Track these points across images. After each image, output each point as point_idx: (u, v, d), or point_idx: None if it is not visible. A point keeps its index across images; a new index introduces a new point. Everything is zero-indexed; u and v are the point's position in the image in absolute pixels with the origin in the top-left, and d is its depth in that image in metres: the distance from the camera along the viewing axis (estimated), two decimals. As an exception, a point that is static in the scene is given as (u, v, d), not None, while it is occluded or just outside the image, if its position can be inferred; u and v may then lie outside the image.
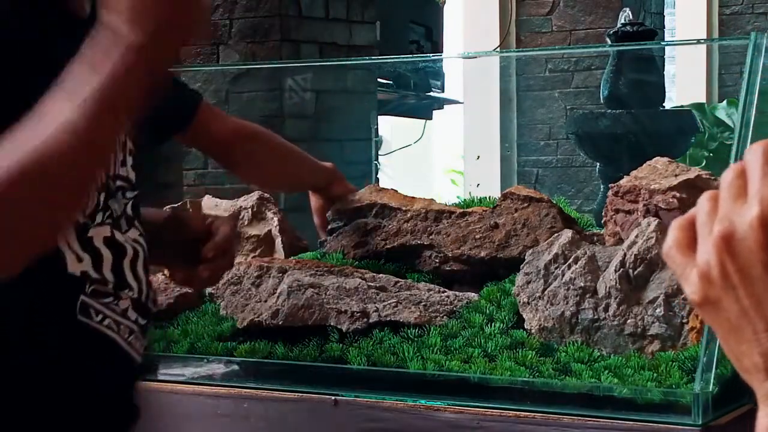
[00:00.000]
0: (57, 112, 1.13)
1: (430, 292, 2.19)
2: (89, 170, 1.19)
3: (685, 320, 1.94)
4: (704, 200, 0.81)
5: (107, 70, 1.14)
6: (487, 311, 2.10)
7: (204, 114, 2.19)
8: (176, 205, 2.63)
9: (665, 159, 2.30)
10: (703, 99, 8.74)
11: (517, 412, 1.88)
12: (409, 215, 2.39)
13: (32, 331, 1.36)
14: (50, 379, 1.38)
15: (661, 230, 2.03)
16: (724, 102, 6.63)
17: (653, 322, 1.96)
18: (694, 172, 2.23)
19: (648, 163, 2.30)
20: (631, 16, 3.34)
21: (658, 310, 1.96)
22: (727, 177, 0.80)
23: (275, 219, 2.54)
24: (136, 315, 1.45)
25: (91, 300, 1.39)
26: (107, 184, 1.44)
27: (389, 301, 2.15)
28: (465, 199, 2.58)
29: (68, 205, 1.19)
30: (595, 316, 2.00)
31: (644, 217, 2.15)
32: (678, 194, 2.18)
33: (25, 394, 1.36)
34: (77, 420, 1.41)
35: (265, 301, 2.22)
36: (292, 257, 2.44)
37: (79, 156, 1.14)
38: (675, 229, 0.83)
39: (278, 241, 2.52)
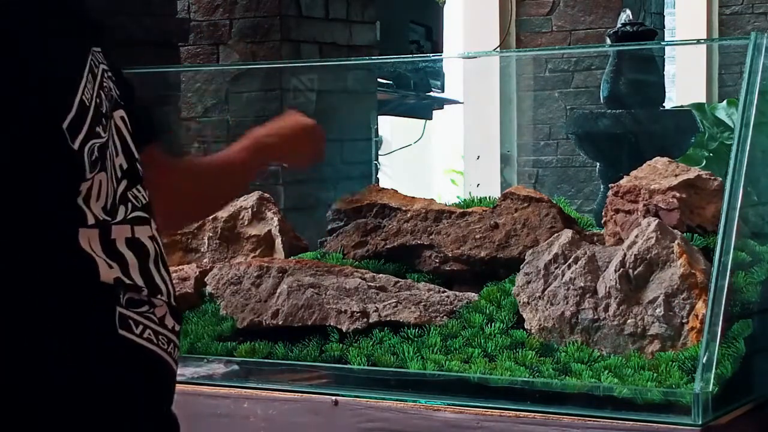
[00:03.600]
0: None
1: (430, 292, 2.19)
2: None
3: (685, 320, 1.94)
4: None
5: None
6: (487, 311, 2.10)
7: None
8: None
9: (665, 159, 2.30)
10: (703, 99, 8.73)
11: (517, 412, 1.88)
12: (409, 215, 2.39)
13: (74, 349, 1.28)
14: (95, 400, 1.30)
15: (661, 230, 2.03)
16: (724, 102, 6.61)
17: (653, 322, 1.96)
18: (694, 172, 2.23)
19: (648, 163, 2.30)
20: (631, 16, 3.33)
21: (658, 310, 1.95)
22: None
23: (275, 219, 2.54)
24: (173, 322, 1.38)
25: (128, 311, 1.32)
26: (133, 170, 1.38)
27: (389, 301, 2.15)
28: (465, 199, 2.59)
29: None
30: (595, 316, 2.00)
31: (644, 217, 2.15)
32: (678, 194, 2.18)
33: (69, 416, 1.29)
34: None
35: (265, 301, 2.22)
36: (292, 257, 2.44)
37: None
38: None
39: (278, 241, 2.52)
